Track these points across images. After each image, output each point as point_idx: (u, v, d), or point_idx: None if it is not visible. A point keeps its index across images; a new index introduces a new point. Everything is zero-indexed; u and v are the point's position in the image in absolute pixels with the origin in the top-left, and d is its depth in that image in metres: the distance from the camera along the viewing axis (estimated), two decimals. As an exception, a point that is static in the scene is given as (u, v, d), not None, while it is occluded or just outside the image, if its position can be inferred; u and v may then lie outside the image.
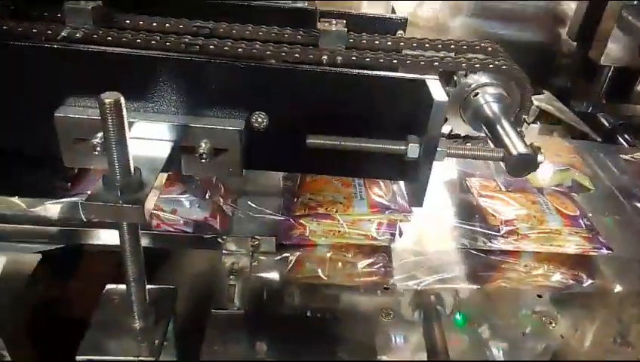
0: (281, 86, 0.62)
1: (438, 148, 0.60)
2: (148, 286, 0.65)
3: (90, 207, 0.51)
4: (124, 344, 0.62)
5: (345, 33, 0.72)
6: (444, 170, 1.07)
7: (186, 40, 0.67)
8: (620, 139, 1.24)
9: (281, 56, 0.67)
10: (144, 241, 0.79)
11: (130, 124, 0.61)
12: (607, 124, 1.26)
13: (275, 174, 0.95)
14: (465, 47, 0.75)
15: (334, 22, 0.72)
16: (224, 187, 0.88)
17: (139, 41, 0.66)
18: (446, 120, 0.78)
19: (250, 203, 0.89)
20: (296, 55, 0.68)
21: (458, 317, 0.76)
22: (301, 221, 0.83)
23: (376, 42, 0.74)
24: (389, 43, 0.74)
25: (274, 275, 0.77)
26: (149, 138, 0.61)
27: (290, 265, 0.81)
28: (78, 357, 0.60)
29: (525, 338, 0.71)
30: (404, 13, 0.86)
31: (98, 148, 0.57)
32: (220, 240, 0.78)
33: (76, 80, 0.60)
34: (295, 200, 0.87)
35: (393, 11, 1.07)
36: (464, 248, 0.88)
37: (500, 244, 0.87)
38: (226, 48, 0.67)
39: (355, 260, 0.83)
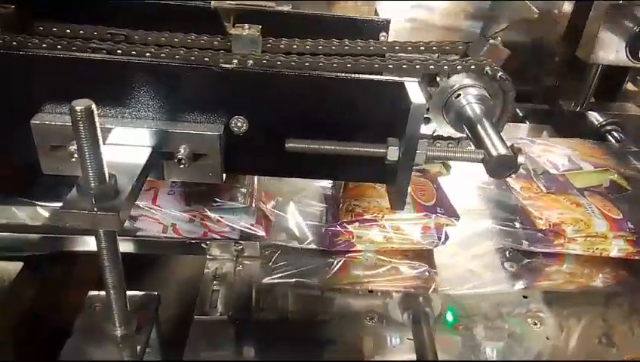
0: (260, 90, 0.62)
1: (417, 151, 0.60)
2: (130, 293, 0.65)
3: (65, 215, 0.50)
4: (106, 351, 0.62)
5: (257, 37, 0.71)
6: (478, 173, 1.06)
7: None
8: (609, 137, 1.24)
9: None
10: (128, 247, 0.79)
11: (108, 130, 0.61)
12: (596, 123, 1.26)
13: (316, 181, 0.95)
14: (447, 47, 0.75)
15: (247, 26, 0.72)
16: (265, 194, 0.88)
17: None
18: (430, 120, 0.79)
19: (294, 209, 0.88)
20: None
21: (447, 318, 0.76)
22: (347, 227, 0.83)
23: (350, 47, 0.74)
24: (371, 48, 0.74)
25: (258, 280, 0.76)
26: (127, 144, 0.61)
27: (334, 270, 0.81)
28: (59, 366, 0.60)
29: (510, 339, 0.70)
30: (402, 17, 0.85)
31: (75, 155, 0.57)
32: (203, 245, 0.78)
33: (51, 87, 0.60)
34: (340, 206, 0.87)
35: (376, 14, 1.07)
36: (507, 250, 0.87)
37: (544, 247, 0.86)
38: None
39: (399, 265, 0.83)
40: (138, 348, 0.63)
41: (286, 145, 0.61)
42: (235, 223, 0.79)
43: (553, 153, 1.06)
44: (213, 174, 0.64)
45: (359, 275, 0.81)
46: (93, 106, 0.47)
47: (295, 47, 0.75)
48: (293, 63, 0.68)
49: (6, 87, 0.60)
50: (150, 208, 0.79)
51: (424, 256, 0.85)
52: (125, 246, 0.78)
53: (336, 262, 0.82)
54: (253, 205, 0.82)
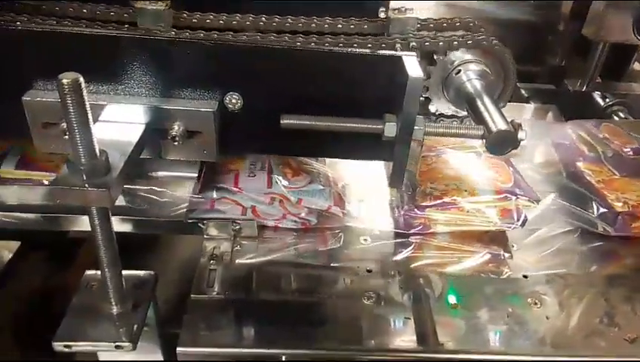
0: (254, 65, 0.61)
1: (415, 127, 0.59)
2: (127, 272, 0.64)
3: (55, 191, 0.50)
4: (102, 329, 0.61)
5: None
6: (545, 155, 1.04)
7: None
8: (615, 118, 1.22)
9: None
10: (126, 227, 0.79)
11: (101, 107, 0.60)
12: (602, 103, 1.23)
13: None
14: (445, 24, 0.73)
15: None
16: (335, 175, 0.88)
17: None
18: (430, 100, 0.77)
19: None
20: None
21: (448, 299, 0.75)
22: (426, 211, 0.81)
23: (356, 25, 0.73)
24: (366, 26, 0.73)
25: (255, 260, 0.76)
26: (120, 121, 0.60)
27: (407, 254, 0.80)
28: (55, 344, 0.60)
29: (510, 319, 0.70)
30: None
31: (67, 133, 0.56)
32: (200, 225, 0.77)
33: (41, 63, 0.59)
34: (417, 189, 0.85)
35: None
36: (582, 233, 0.86)
37: (622, 231, 0.85)
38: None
39: (474, 248, 0.82)
40: (135, 326, 0.62)
41: (281, 121, 0.60)
42: (314, 205, 0.79)
43: (620, 136, 1.03)
44: (207, 152, 0.64)
45: (432, 257, 0.80)
46: (81, 79, 0.46)
47: (287, 24, 0.74)
48: (284, 42, 0.67)
49: (-4, 62, 0.59)
50: (231, 189, 0.79)
51: (498, 239, 0.83)
52: (123, 226, 0.78)
53: (408, 245, 0.81)
54: (331, 187, 0.83)
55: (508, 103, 0.79)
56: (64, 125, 0.58)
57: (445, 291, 0.75)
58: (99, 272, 0.63)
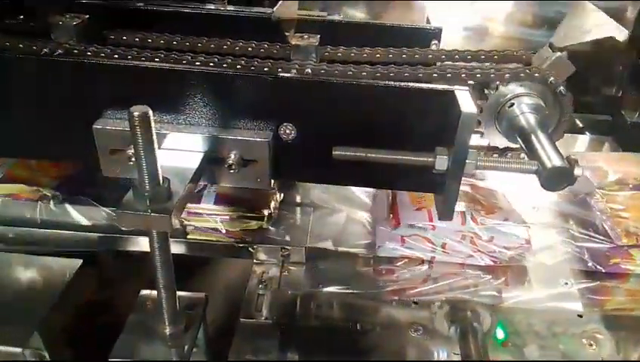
0: (309, 98, 0.63)
1: (467, 161, 0.59)
2: (179, 293, 0.67)
3: (121, 216, 0.52)
4: (155, 348, 0.64)
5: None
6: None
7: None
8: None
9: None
10: (179, 249, 0.82)
11: (163, 135, 0.64)
12: (662, 135, 1.18)
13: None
14: (496, 57, 0.73)
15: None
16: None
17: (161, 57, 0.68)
18: (482, 133, 0.77)
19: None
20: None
21: (496, 334, 0.74)
22: (629, 251, 0.81)
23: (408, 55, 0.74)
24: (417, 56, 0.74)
25: (303, 286, 0.77)
26: (181, 149, 0.64)
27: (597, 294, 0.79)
28: (111, 360, 0.63)
29: (562, 358, 0.67)
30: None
31: (132, 159, 0.60)
32: (251, 249, 0.79)
33: (113, 94, 0.63)
34: (618, 228, 0.84)
35: (428, 22, 1.06)
36: None
37: None
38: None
39: None
40: (186, 347, 0.64)
41: (333, 153, 0.61)
42: (505, 242, 0.79)
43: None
44: (261, 180, 0.66)
45: (623, 301, 0.79)
46: (150, 112, 0.49)
47: (352, 55, 0.76)
48: (350, 73, 0.69)
49: (73, 92, 0.64)
50: (425, 227, 0.81)
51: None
52: (176, 248, 0.81)
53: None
54: (526, 225, 0.82)
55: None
56: (130, 152, 0.62)
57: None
58: (154, 292, 0.66)
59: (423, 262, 0.83)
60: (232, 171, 0.63)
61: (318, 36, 0.73)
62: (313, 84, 0.63)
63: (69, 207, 0.84)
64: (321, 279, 0.79)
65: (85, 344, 0.77)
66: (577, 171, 0.59)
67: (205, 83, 0.62)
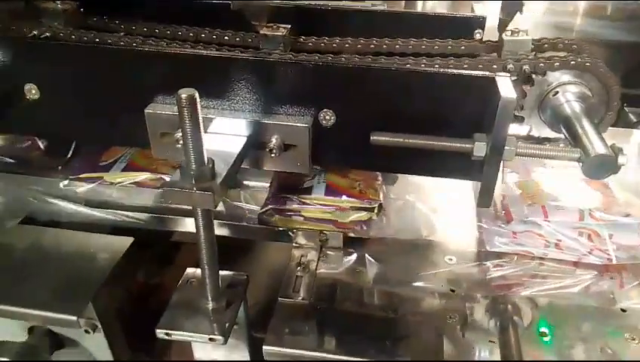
0: (349, 84, 0.64)
1: (506, 147, 0.58)
2: (222, 272, 0.70)
3: (167, 193, 0.56)
4: (198, 322, 0.67)
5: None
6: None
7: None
8: None
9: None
10: (222, 231, 0.85)
11: (209, 120, 0.67)
12: None
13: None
14: (546, 45, 0.72)
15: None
16: None
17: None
18: (523, 119, 0.76)
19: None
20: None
21: (537, 328, 0.73)
22: None
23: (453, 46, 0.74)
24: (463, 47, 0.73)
25: (339, 270, 0.78)
26: (226, 133, 0.66)
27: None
28: (158, 331, 0.66)
29: (604, 355, 0.66)
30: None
31: (180, 142, 0.63)
32: (290, 233, 0.82)
33: (162, 80, 0.67)
34: None
35: (472, 11, 1.04)
36: None
37: None
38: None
39: None
40: (227, 323, 0.67)
41: (371, 138, 0.62)
42: (625, 240, 0.76)
43: None
44: (301, 164, 0.68)
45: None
46: (197, 95, 0.52)
47: (385, 46, 0.76)
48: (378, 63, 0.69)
49: (126, 78, 0.68)
50: (540, 223, 0.79)
51: None
52: (220, 231, 0.84)
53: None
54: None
55: (615, 128, 0.74)
56: (178, 135, 0.65)
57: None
58: (198, 270, 0.69)
59: (533, 258, 0.80)
60: (272, 155, 0.66)
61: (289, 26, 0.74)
62: (354, 70, 0.64)
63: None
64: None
65: (134, 317, 0.82)
66: (621, 160, 0.57)
67: (249, 70, 0.64)
